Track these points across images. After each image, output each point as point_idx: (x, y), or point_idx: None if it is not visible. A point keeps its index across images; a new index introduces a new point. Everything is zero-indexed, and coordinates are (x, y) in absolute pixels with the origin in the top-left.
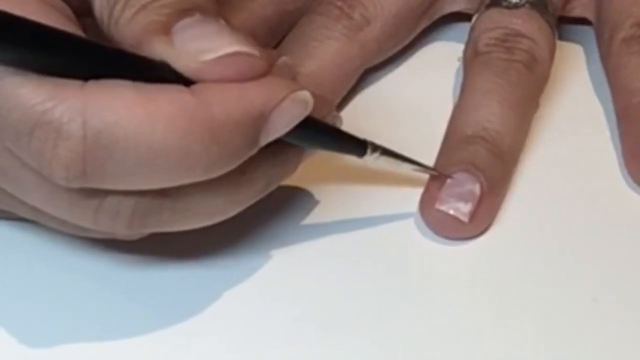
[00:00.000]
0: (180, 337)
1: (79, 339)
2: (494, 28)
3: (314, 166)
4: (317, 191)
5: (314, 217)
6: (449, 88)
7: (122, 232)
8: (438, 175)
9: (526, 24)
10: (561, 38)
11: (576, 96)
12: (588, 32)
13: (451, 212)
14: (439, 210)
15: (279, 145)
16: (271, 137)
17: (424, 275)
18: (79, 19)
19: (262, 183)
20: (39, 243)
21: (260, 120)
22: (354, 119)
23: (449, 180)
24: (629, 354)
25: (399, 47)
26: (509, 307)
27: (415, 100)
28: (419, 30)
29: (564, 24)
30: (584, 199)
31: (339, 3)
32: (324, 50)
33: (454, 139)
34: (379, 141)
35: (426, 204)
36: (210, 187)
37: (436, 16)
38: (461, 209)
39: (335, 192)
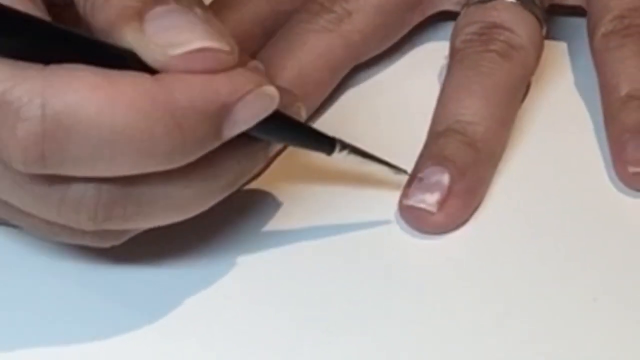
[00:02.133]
0: (157, 337)
1: (58, 340)
2: (470, 23)
3: (297, 164)
4: (300, 190)
5: (299, 214)
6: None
7: (87, 226)
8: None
9: (502, 14)
10: (547, 36)
11: (565, 93)
12: (574, 28)
13: (418, 205)
14: (406, 205)
15: (246, 139)
16: (236, 130)
17: (417, 275)
18: (63, 9)
19: (230, 177)
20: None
21: (224, 110)
22: (345, 118)
23: (418, 175)
24: (629, 354)
25: (389, 42)
26: (508, 307)
27: (407, 99)
28: (408, 26)
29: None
30: (584, 198)
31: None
32: (304, 41)
33: (429, 137)
34: (369, 141)
35: (399, 202)
36: (176, 177)
37: (428, 13)
38: (427, 200)
39: (317, 191)
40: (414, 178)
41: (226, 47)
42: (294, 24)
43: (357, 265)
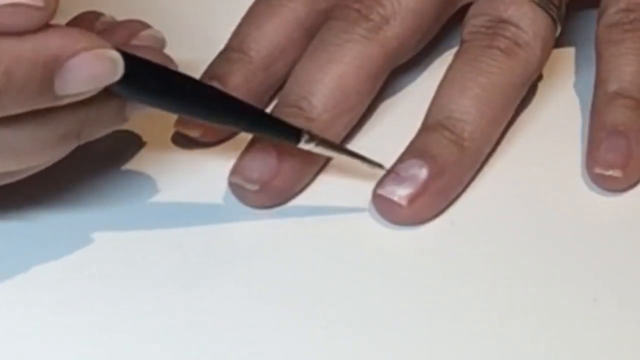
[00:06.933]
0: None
1: None
2: (478, 15)
3: None
4: None
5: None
6: None
7: None
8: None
9: (510, 9)
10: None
11: (571, 98)
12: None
13: (388, 195)
14: (378, 194)
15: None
16: (72, 88)
17: (402, 269)
18: None
19: (72, 125)
20: None
21: (54, 63)
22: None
23: (397, 166)
24: (629, 354)
25: (425, 42)
26: (507, 308)
27: (416, 98)
28: (442, 23)
29: None
30: (585, 198)
31: (356, 5)
32: (344, 53)
33: (419, 130)
34: (376, 140)
35: (373, 190)
36: (9, 120)
37: (459, 4)
38: (398, 193)
39: None
40: (393, 168)
41: (39, 3)
42: (333, 34)
43: (336, 253)
